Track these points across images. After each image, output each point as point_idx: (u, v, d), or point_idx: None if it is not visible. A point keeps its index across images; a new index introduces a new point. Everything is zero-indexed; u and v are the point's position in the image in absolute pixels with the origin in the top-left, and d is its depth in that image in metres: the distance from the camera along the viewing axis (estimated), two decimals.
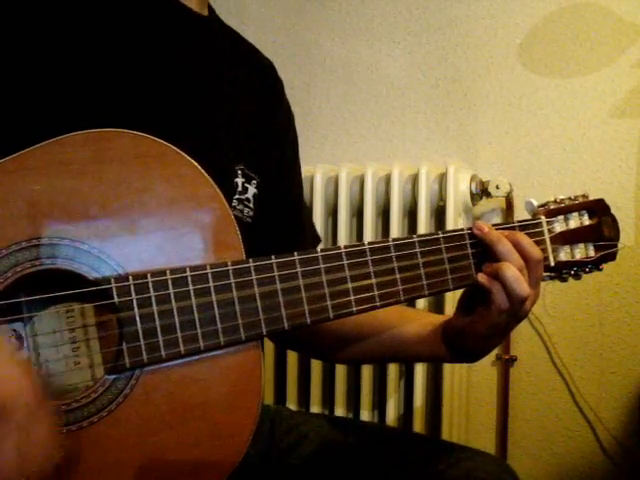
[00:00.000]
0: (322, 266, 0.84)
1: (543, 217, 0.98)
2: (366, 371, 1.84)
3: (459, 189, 1.77)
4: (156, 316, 0.76)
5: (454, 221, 1.75)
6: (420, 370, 1.79)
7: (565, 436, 1.90)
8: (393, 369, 1.82)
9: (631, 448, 1.84)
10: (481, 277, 0.91)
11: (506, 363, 1.92)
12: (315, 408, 1.89)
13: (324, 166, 1.91)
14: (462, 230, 0.94)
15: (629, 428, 1.84)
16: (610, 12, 1.79)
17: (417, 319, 1.07)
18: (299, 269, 0.83)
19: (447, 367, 1.80)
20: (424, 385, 1.81)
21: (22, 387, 0.64)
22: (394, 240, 0.89)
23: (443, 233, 0.92)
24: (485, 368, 1.96)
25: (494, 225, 0.95)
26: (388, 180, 1.82)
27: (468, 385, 1.94)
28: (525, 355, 1.92)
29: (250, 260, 0.81)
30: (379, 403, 1.89)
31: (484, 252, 0.93)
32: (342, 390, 1.87)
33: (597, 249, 1.01)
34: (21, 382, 0.64)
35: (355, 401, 1.90)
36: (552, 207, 1.00)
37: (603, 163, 1.83)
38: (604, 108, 1.82)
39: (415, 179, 1.81)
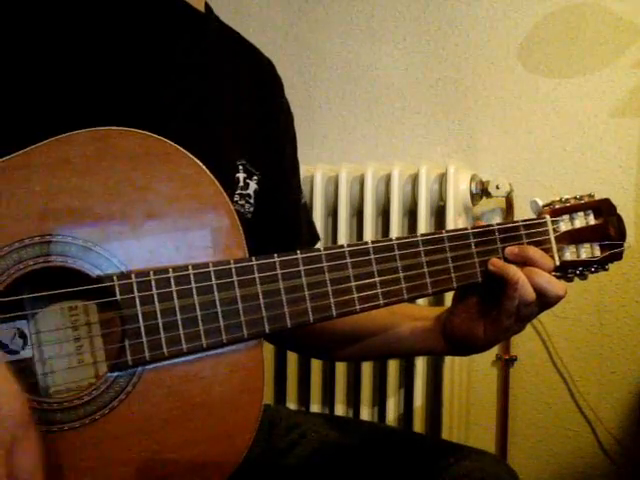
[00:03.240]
0: (325, 264, 0.84)
1: (548, 216, 0.98)
2: (366, 371, 1.84)
3: (459, 189, 1.77)
4: (158, 314, 0.76)
5: (454, 221, 1.75)
6: (420, 370, 1.79)
7: (565, 436, 1.90)
8: (393, 369, 1.82)
9: (631, 448, 1.84)
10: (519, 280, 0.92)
11: (506, 363, 1.92)
12: (315, 408, 1.89)
13: (324, 166, 1.91)
14: (466, 229, 0.94)
15: (629, 428, 1.84)
16: (610, 12, 1.80)
17: (411, 315, 1.07)
18: (302, 267, 0.83)
19: (447, 367, 1.80)
20: (424, 385, 1.81)
21: (12, 410, 0.66)
22: (398, 239, 0.89)
23: (447, 232, 0.92)
24: (485, 368, 1.96)
25: (498, 224, 0.95)
26: (388, 180, 1.82)
27: (468, 385, 1.94)
28: (525, 355, 1.92)
29: (253, 258, 0.80)
30: (379, 403, 1.89)
31: (489, 251, 0.93)
32: (342, 391, 1.87)
33: (603, 249, 1.00)
34: (11, 405, 0.66)
35: (355, 401, 1.90)
36: (557, 206, 0.99)
37: (603, 163, 1.83)
38: (604, 108, 1.82)
39: (415, 179, 1.81)
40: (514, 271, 0.90)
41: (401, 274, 0.89)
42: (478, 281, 0.93)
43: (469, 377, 1.95)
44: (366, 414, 1.85)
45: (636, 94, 1.79)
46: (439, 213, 1.83)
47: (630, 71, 1.79)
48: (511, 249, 0.94)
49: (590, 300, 1.85)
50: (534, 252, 0.93)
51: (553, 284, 0.91)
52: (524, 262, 0.93)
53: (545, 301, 0.92)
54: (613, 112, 1.81)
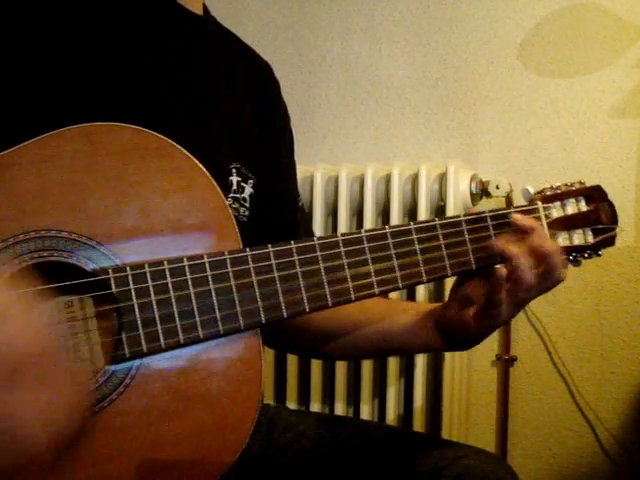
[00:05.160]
0: (319, 254, 0.84)
1: (539, 203, 0.98)
2: (366, 371, 1.84)
3: (459, 189, 1.77)
4: (154, 306, 0.76)
5: None
6: (420, 370, 1.79)
7: (565, 436, 1.90)
8: (393, 369, 1.82)
9: (631, 448, 1.84)
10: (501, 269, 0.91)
11: (506, 363, 1.91)
12: (315, 407, 1.88)
13: (324, 166, 1.91)
14: (459, 217, 0.94)
15: (629, 428, 1.84)
16: (610, 12, 1.80)
17: (404, 310, 1.07)
18: (296, 257, 0.83)
19: (447, 367, 1.80)
20: (424, 385, 1.80)
21: (30, 344, 0.61)
22: (391, 227, 0.89)
23: (440, 220, 0.92)
24: (485, 368, 1.96)
25: (490, 210, 0.95)
26: (388, 180, 1.82)
27: (468, 385, 1.94)
28: (525, 355, 1.92)
29: (247, 249, 0.81)
30: (379, 403, 1.89)
31: (481, 238, 0.93)
32: (342, 390, 1.87)
33: (595, 234, 1.00)
34: (30, 339, 0.61)
35: (355, 401, 1.89)
36: (548, 193, 0.99)
37: (603, 163, 1.83)
38: (604, 108, 1.82)
39: (415, 179, 1.81)
40: (514, 247, 0.90)
41: (395, 262, 0.89)
42: (472, 268, 0.93)
43: (469, 377, 1.94)
44: (366, 414, 1.84)
45: (636, 94, 1.79)
46: (439, 213, 1.83)
47: (630, 71, 1.79)
48: (516, 217, 0.94)
49: (590, 300, 1.85)
50: (531, 222, 0.94)
51: (554, 246, 0.92)
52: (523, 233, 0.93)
53: (549, 266, 0.91)
54: (613, 112, 1.81)
